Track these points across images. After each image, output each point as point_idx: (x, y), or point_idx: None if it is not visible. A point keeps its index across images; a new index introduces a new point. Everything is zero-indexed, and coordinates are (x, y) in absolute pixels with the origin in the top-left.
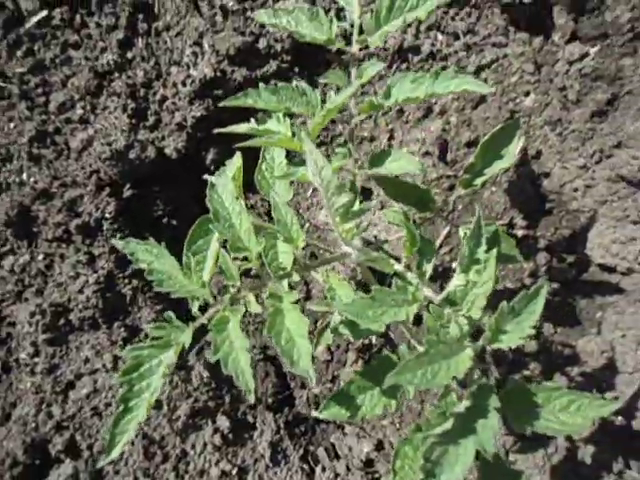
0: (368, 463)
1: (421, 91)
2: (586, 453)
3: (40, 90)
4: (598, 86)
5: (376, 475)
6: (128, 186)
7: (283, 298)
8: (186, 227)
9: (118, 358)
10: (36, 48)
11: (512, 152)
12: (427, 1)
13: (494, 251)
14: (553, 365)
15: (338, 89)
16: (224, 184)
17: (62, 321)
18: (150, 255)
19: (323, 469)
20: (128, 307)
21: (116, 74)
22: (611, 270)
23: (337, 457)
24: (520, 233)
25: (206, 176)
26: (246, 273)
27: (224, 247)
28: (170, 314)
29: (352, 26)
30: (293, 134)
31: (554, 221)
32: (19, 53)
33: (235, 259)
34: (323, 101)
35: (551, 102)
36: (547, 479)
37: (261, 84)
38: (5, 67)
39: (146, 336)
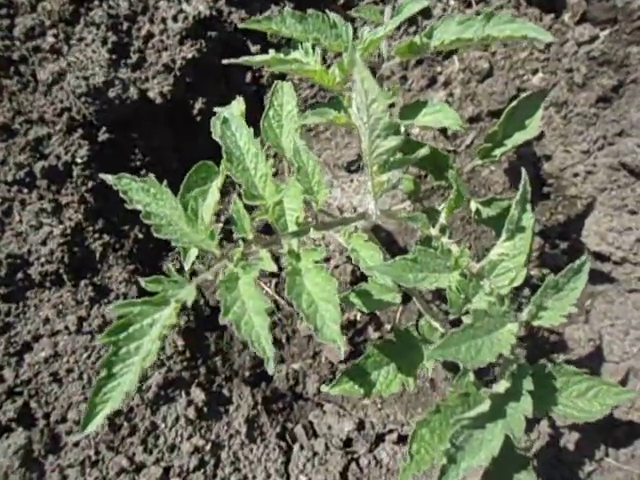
0: (347, 442)
1: (471, 32)
2: (568, 440)
3: (4, 12)
4: (605, 71)
5: (355, 455)
6: (104, 129)
7: (302, 257)
8: (165, 177)
9: (83, 319)
10: None
11: (536, 123)
12: None
13: (532, 220)
14: (539, 351)
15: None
16: (239, 121)
17: (20, 275)
18: (147, 195)
19: (301, 447)
20: (97, 264)
21: (96, 2)
22: (604, 259)
23: (315, 435)
24: None
25: (217, 109)
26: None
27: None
28: (169, 266)
29: None
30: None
31: (551, 206)
32: None
33: (247, 208)
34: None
35: (558, 83)
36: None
37: (287, 8)
38: None
39: (116, 298)
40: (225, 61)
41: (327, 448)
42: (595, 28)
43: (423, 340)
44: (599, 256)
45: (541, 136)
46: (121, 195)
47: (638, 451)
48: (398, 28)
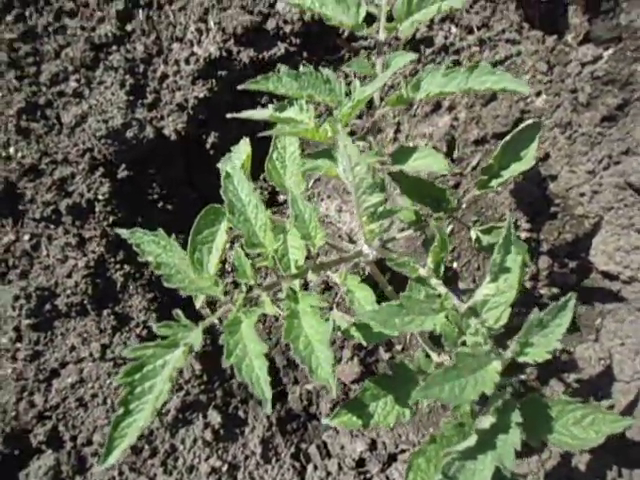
0: (360, 463)
1: (454, 86)
2: (580, 460)
3: (31, 59)
4: (609, 90)
5: (368, 475)
6: (123, 167)
7: (299, 300)
8: (181, 213)
9: (106, 347)
10: (28, 14)
11: (531, 154)
12: None
13: (519, 258)
14: (550, 370)
15: (360, 78)
16: (240, 175)
17: (48, 306)
18: (158, 247)
19: (315, 467)
20: (118, 294)
21: (114, 47)
22: (613, 278)
23: (329, 456)
24: (523, 236)
25: (220, 165)
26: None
27: (231, 242)
28: (178, 312)
29: (379, 11)
30: (316, 124)
31: (558, 225)
32: (9, 18)
33: (248, 256)
34: (347, 91)
35: (562, 104)
36: None
37: (282, 67)
38: None
39: (137, 327)
40: (229, 115)
41: (340, 468)
42: (598, 48)
43: (419, 372)
44: (608, 275)
45: (547, 157)
46: (134, 248)
47: None
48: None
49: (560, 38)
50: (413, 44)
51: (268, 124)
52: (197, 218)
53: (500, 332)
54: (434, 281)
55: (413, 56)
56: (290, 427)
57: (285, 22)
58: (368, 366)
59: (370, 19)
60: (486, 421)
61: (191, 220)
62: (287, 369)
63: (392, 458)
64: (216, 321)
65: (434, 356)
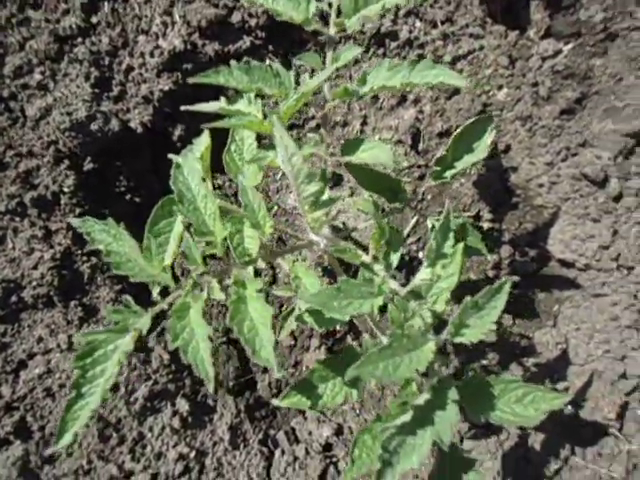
0: (327, 447)
1: (397, 80)
2: (536, 440)
3: None
4: (568, 84)
5: (334, 459)
6: (89, 159)
7: (247, 285)
8: (148, 205)
9: (72, 338)
10: None
11: (483, 146)
12: None
13: (460, 245)
14: (510, 355)
15: (313, 71)
16: (191, 165)
17: (14, 298)
18: (108, 235)
19: (282, 452)
20: (85, 286)
21: (79, 40)
22: (570, 265)
23: (297, 441)
24: (486, 226)
25: (171, 155)
26: (210, 258)
27: (187, 230)
28: (128, 298)
29: (330, 7)
30: (264, 116)
31: (519, 215)
32: None
33: (199, 243)
34: (297, 83)
35: (523, 97)
36: (499, 464)
37: (233, 62)
38: None
39: (104, 318)
40: (183, 108)
41: (307, 453)
42: (559, 42)
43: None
44: (565, 263)
45: (508, 149)
46: (85, 236)
47: (604, 450)
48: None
49: (522, 33)
50: (378, 38)
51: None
52: (154, 209)
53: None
54: (376, 266)
55: (359, 50)
56: (259, 414)
57: (250, 15)
58: (337, 352)
59: (321, 15)
60: (421, 398)
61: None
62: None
63: None
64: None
65: (383, 339)
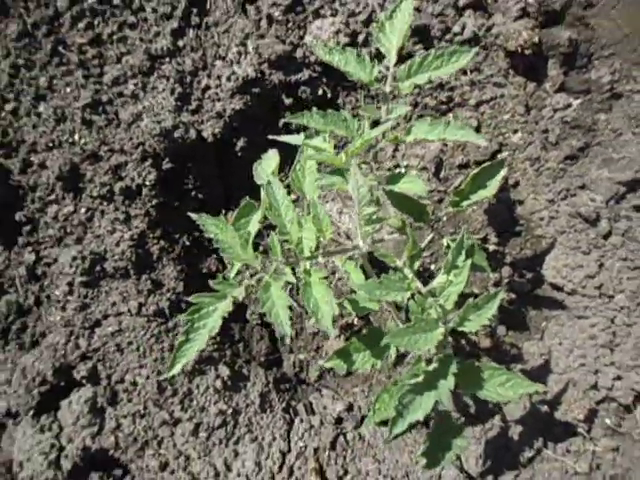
0: (339, 420)
1: (435, 135)
2: (515, 432)
3: (96, 62)
4: (575, 134)
5: (344, 431)
6: (167, 160)
7: (312, 273)
8: (209, 202)
9: (142, 305)
10: (96, 23)
11: (495, 185)
12: (448, 65)
13: (469, 261)
14: (501, 361)
15: (369, 118)
16: (277, 182)
17: (98, 268)
18: (217, 228)
19: (301, 420)
20: (154, 264)
21: (167, 59)
22: (559, 289)
23: (313, 412)
24: (491, 248)
25: (254, 168)
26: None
27: (273, 230)
28: (229, 273)
29: (387, 70)
30: (335, 153)
31: (520, 242)
32: (80, 25)
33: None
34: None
35: (534, 142)
36: (482, 449)
37: (314, 109)
38: (67, 36)
39: (168, 290)
40: (270, 137)
41: (322, 423)
42: (570, 97)
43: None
44: (555, 286)
45: (517, 184)
46: (201, 227)
47: (572, 447)
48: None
49: (539, 86)
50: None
51: (290, 131)
52: (238, 210)
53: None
54: (406, 270)
55: (409, 108)
56: (283, 387)
57: (311, 52)
58: None
59: (381, 77)
60: (431, 366)
61: (216, 209)
62: (284, 340)
63: (364, 419)
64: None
65: (400, 324)
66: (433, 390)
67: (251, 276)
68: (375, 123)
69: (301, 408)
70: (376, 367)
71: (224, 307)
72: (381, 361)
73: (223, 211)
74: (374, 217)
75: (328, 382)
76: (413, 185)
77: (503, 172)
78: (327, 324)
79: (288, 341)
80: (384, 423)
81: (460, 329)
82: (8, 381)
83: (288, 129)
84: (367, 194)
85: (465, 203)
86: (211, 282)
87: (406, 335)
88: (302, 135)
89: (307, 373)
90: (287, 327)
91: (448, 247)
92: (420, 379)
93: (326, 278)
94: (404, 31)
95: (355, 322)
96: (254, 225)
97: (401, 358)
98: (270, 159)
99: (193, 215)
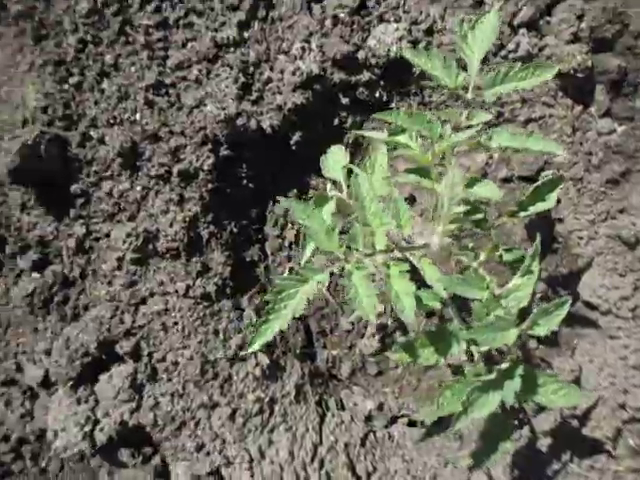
0: (369, 418)
1: (518, 143)
2: (543, 444)
3: (161, 45)
4: (617, 159)
5: (373, 429)
6: (225, 146)
7: (391, 267)
8: (259, 190)
9: (189, 287)
10: (164, 7)
11: (553, 198)
12: (532, 78)
13: (538, 268)
14: None
15: (444, 121)
16: (362, 177)
17: (150, 246)
18: (304, 214)
19: (332, 415)
20: (203, 247)
21: (231, 48)
22: (593, 308)
23: (343, 409)
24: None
25: (354, 168)
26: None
27: (356, 221)
28: (312, 259)
29: (470, 77)
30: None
31: (557, 259)
32: (149, 8)
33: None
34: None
35: (578, 163)
36: (510, 458)
37: (402, 108)
38: (134, 17)
39: (214, 275)
40: (355, 132)
41: (352, 419)
42: (614, 123)
43: (452, 334)
44: (589, 305)
45: (558, 202)
46: (290, 212)
47: (596, 464)
48: (457, 100)
49: (585, 109)
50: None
51: (344, 130)
52: (312, 199)
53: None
54: (481, 270)
55: (490, 116)
56: (316, 381)
57: (373, 55)
58: (385, 344)
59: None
60: (504, 365)
61: (264, 198)
62: (319, 335)
63: (394, 419)
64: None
65: (462, 327)
66: (499, 390)
67: (332, 263)
68: (454, 128)
69: (332, 403)
70: (439, 364)
71: (306, 290)
72: (443, 358)
73: (270, 202)
74: (459, 217)
75: (359, 380)
76: (488, 190)
77: (560, 187)
78: (409, 316)
79: (373, 321)
80: (412, 424)
81: (530, 332)
82: (46, 351)
83: (342, 127)
84: (460, 193)
85: (523, 214)
86: (298, 267)
87: (486, 332)
88: (386, 132)
89: (339, 369)
90: (372, 315)
91: (500, 257)
92: (492, 376)
93: (408, 272)
94: (487, 43)
95: (389, 323)
96: (327, 216)
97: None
98: (338, 154)
99: (282, 200)
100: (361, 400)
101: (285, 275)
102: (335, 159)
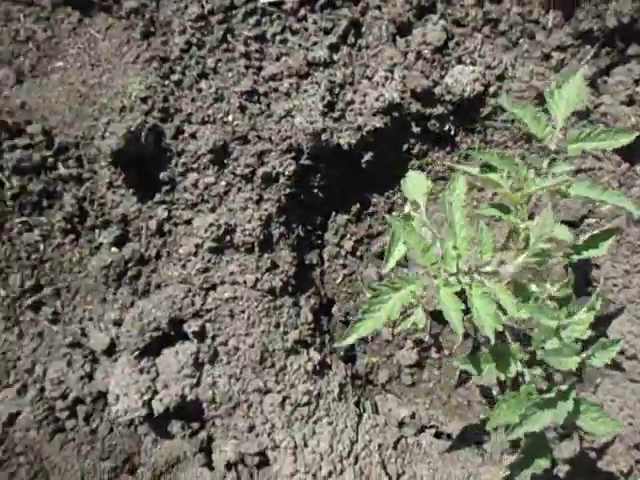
0: (401, 424)
1: (595, 195)
2: (562, 470)
3: (258, 56)
4: None
5: (405, 435)
6: (306, 156)
7: (472, 287)
8: (328, 201)
9: (258, 280)
10: (264, 21)
11: (606, 247)
12: (611, 140)
13: (598, 305)
14: None
15: (529, 165)
16: (457, 203)
17: (227, 238)
18: (404, 230)
19: (368, 417)
20: (274, 245)
21: (321, 68)
22: (620, 352)
23: (377, 412)
24: None
25: (447, 197)
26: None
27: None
28: (405, 270)
29: (554, 128)
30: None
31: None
32: (250, 20)
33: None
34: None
35: (620, 215)
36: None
37: (495, 149)
38: (237, 27)
39: (282, 272)
40: (458, 167)
41: (386, 423)
42: None
43: (511, 355)
44: None
45: None
46: (387, 223)
47: None
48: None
49: (631, 166)
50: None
51: (413, 156)
52: (397, 221)
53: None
54: (550, 302)
55: (572, 167)
56: (355, 383)
57: (448, 92)
58: (422, 359)
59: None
60: (563, 386)
61: (330, 209)
62: (361, 341)
63: (423, 429)
64: None
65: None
66: (552, 409)
67: (422, 275)
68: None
69: (368, 406)
70: (500, 378)
71: (399, 297)
72: (504, 374)
73: (333, 212)
74: (545, 252)
75: (393, 388)
76: (562, 232)
77: (614, 237)
78: (458, 329)
79: (460, 338)
80: (438, 435)
81: (588, 362)
82: (115, 321)
83: (409, 153)
84: (548, 231)
85: (576, 257)
86: (395, 276)
87: (554, 355)
88: (477, 169)
89: (376, 375)
90: (459, 328)
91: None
92: (552, 395)
93: (486, 294)
94: (572, 103)
95: (426, 339)
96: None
97: (463, 382)
98: (417, 179)
99: (388, 217)
100: (395, 407)
101: (383, 281)
102: (415, 183)
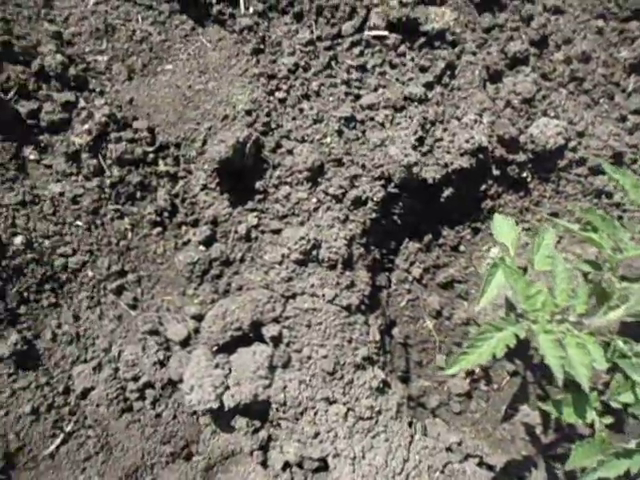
0: (448, 449)
1: None
2: None
3: (358, 84)
4: None
5: (450, 460)
6: (393, 185)
7: (567, 335)
8: (403, 228)
9: (337, 296)
10: (367, 52)
11: None
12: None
13: None
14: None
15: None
16: (558, 255)
17: (313, 252)
18: (511, 276)
19: (419, 438)
20: (354, 265)
21: (415, 103)
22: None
23: (426, 435)
24: None
25: (554, 252)
26: None
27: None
28: (510, 313)
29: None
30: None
31: None
32: (355, 50)
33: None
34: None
35: None
36: None
37: (600, 211)
38: (341, 55)
39: (357, 290)
40: (556, 220)
41: (434, 447)
42: None
43: (588, 403)
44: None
45: None
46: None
47: None
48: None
49: None
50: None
51: (488, 198)
52: (489, 268)
53: None
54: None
55: None
56: (408, 405)
57: (532, 142)
58: (472, 388)
59: None
60: (632, 443)
61: (405, 235)
62: (416, 365)
63: (468, 457)
64: None
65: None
66: (628, 459)
67: (517, 320)
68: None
69: (419, 428)
70: (577, 421)
71: (501, 337)
72: (581, 419)
73: (406, 239)
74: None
75: (442, 414)
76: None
77: None
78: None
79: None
80: (480, 465)
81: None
82: (194, 315)
83: (485, 193)
84: None
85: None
86: (497, 316)
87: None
88: (577, 226)
89: (427, 399)
90: (559, 373)
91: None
92: (633, 446)
93: (580, 344)
94: None
95: (476, 371)
96: (499, 280)
97: (509, 417)
98: (504, 223)
99: (492, 261)
100: (445, 432)
101: (490, 322)
102: (502, 226)
